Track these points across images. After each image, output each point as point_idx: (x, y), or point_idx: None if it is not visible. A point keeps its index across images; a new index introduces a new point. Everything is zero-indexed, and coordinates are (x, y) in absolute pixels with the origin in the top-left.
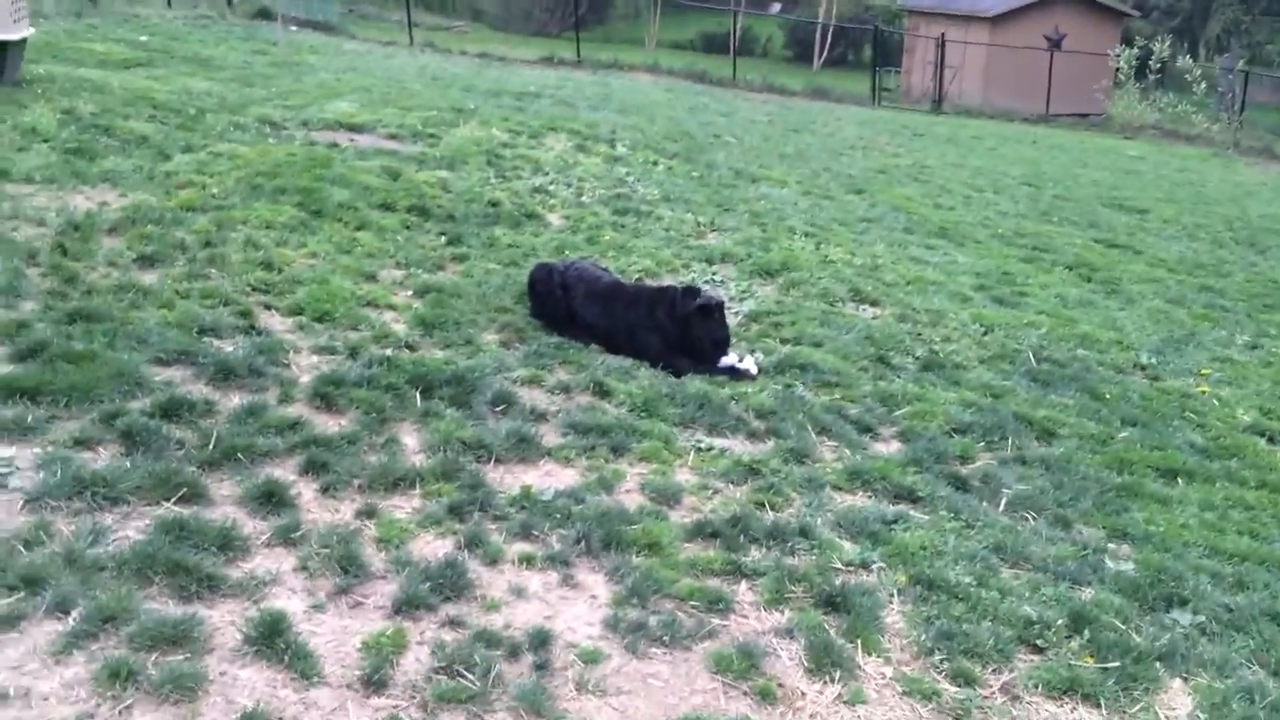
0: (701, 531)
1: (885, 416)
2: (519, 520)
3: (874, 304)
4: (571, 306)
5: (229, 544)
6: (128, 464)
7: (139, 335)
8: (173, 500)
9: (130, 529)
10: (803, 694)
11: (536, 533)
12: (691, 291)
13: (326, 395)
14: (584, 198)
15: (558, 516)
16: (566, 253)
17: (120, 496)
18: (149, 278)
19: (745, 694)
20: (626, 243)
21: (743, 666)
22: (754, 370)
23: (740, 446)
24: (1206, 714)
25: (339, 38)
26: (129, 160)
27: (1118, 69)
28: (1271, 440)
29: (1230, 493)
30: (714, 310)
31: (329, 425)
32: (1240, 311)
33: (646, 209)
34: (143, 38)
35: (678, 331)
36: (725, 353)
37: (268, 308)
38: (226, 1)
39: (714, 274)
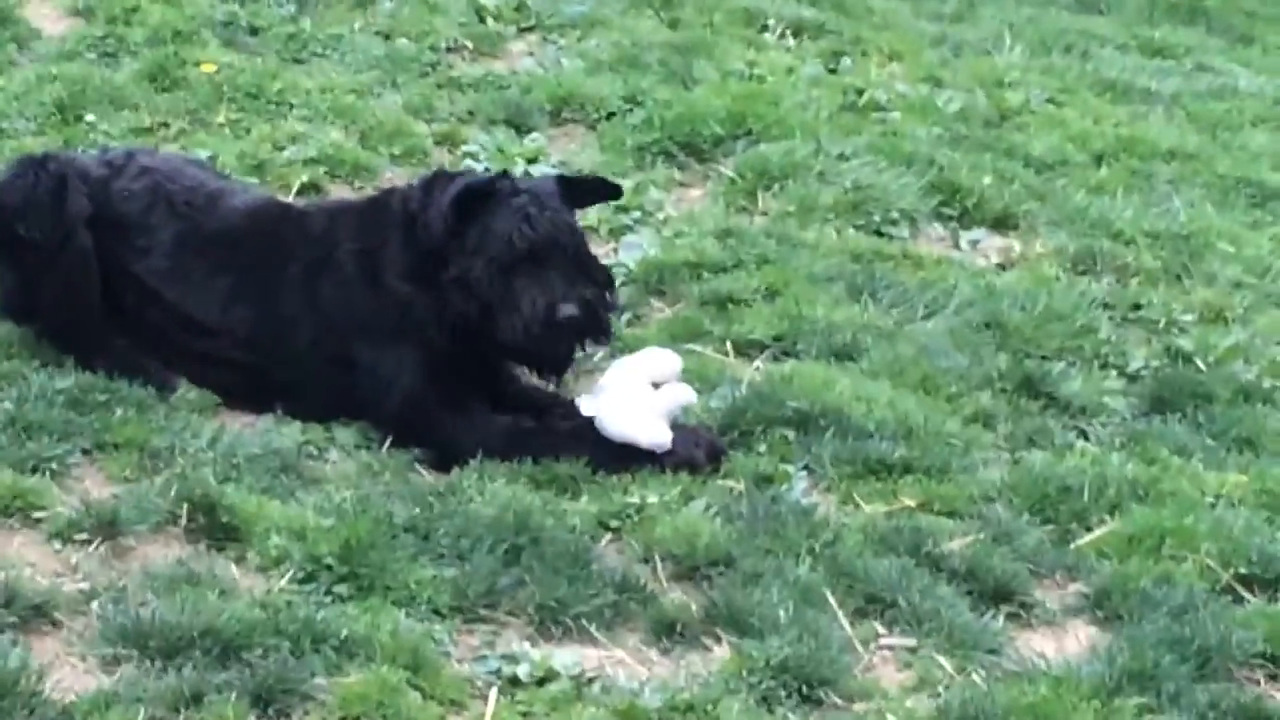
0: None
1: None
2: None
3: (1004, 226)
4: (130, 269)
5: None
6: None
7: None
8: None
9: None
10: None
11: None
12: (439, 177)
13: None
14: None
15: None
16: (92, 144)
17: None
18: None
19: None
20: (265, 89)
21: None
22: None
23: None
24: None
25: None
26: None
27: None
28: None
29: None
30: (513, 192)
31: None
32: None
33: None
34: None
35: (457, 309)
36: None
37: None
38: None
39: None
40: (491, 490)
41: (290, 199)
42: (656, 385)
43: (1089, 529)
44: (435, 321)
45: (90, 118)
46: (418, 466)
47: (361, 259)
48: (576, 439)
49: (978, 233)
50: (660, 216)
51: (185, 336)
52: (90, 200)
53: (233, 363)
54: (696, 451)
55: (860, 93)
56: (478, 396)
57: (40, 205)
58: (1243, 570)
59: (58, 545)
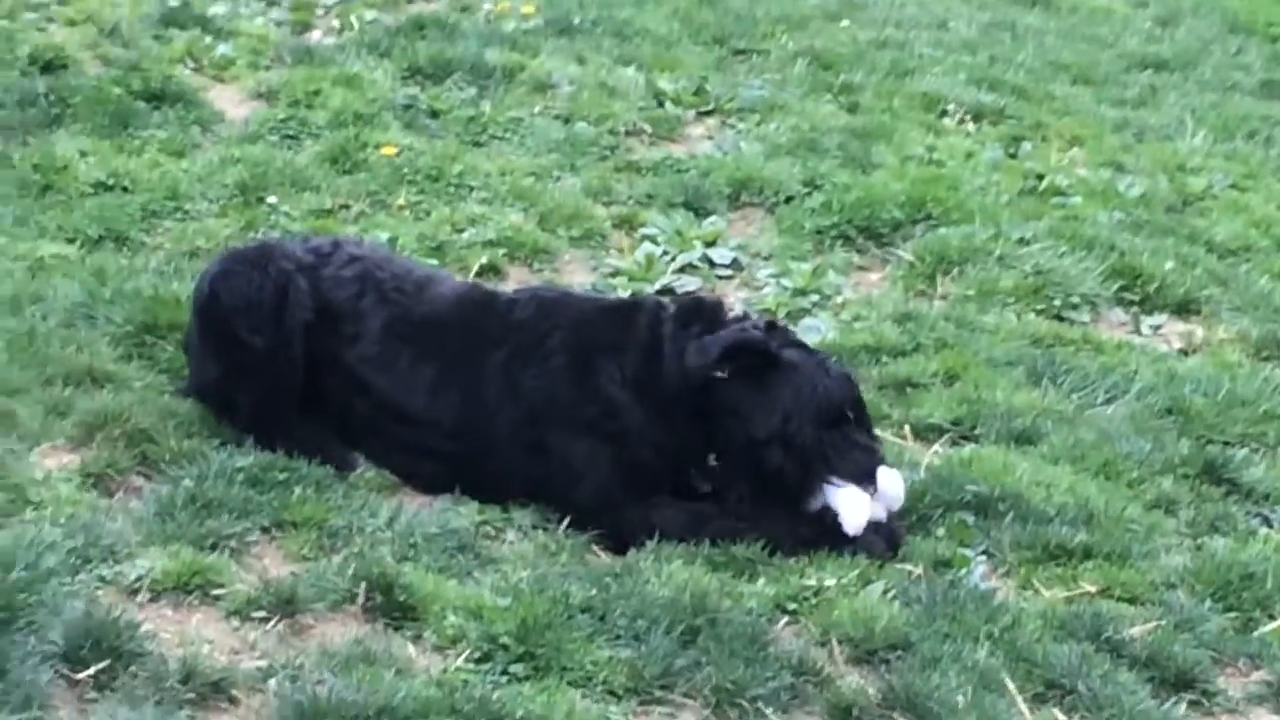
0: None
1: None
2: None
3: (1186, 311)
4: (340, 357)
5: None
6: None
7: None
8: None
9: None
10: None
11: None
12: (699, 309)
13: None
14: (325, 34)
15: None
16: (273, 225)
17: None
18: None
19: None
20: (445, 171)
21: None
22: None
23: None
24: None
25: None
26: None
27: None
28: None
29: None
30: (788, 345)
31: None
32: None
33: (503, 58)
34: None
35: (684, 427)
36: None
37: None
38: None
39: (734, 263)
40: (668, 571)
41: (470, 280)
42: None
43: (1272, 617)
44: (645, 438)
45: (272, 199)
46: (594, 547)
47: (577, 354)
48: (755, 523)
49: (1159, 318)
50: (839, 300)
51: (392, 426)
52: (305, 277)
53: (438, 453)
54: (876, 539)
55: (1040, 177)
56: (664, 489)
57: (261, 310)
58: None
59: (236, 623)
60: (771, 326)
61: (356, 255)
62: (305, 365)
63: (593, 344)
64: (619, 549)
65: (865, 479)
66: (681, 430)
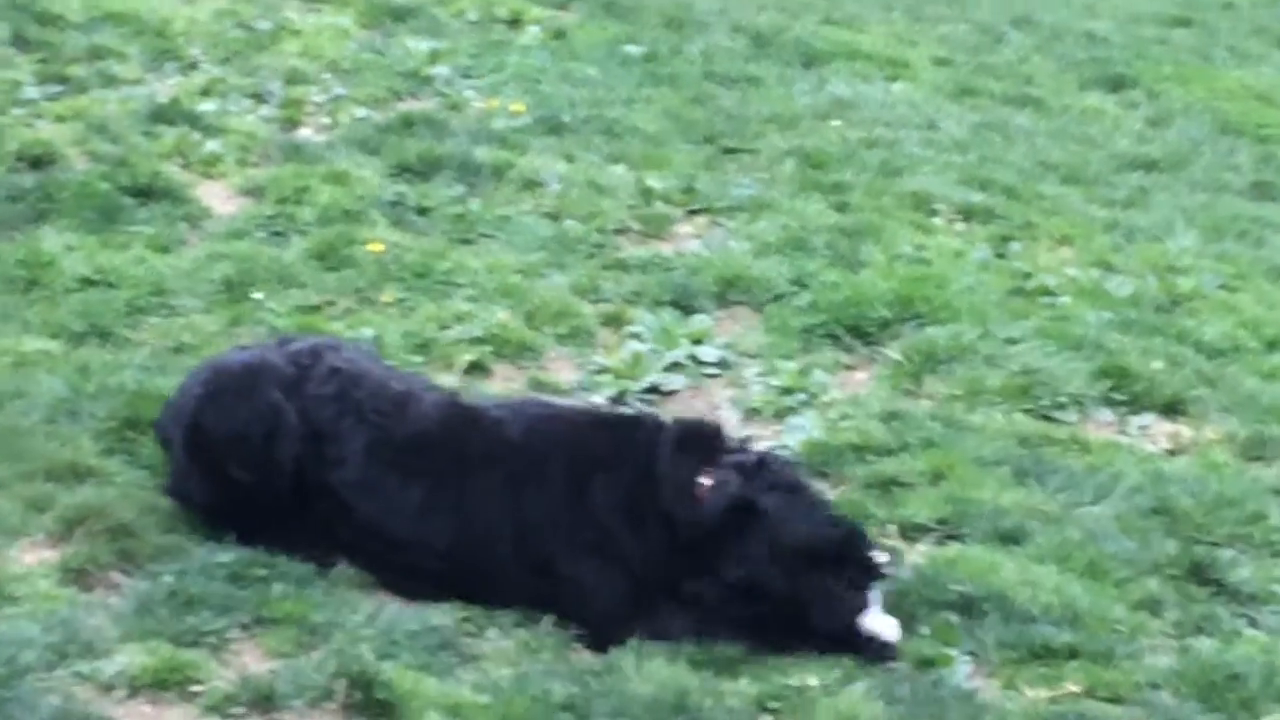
0: None
1: None
2: None
3: (1174, 411)
4: (325, 479)
5: None
6: None
7: None
8: None
9: None
10: None
11: None
12: (699, 435)
13: None
14: (314, 131)
15: None
16: (259, 321)
17: None
18: None
19: None
20: (433, 268)
21: None
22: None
23: None
24: None
25: None
26: None
27: None
28: None
29: None
30: (771, 488)
31: None
32: None
33: (492, 156)
34: None
35: (687, 561)
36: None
37: None
38: None
39: (721, 361)
40: (649, 669)
41: (457, 381)
42: None
43: (1258, 718)
44: (648, 557)
45: (258, 295)
46: (575, 645)
47: (577, 475)
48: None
49: (1147, 418)
50: (825, 399)
51: (380, 549)
52: (293, 392)
53: (430, 574)
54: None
55: (1029, 277)
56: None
57: (250, 444)
58: None
59: (214, 719)
60: (762, 464)
61: (336, 367)
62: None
63: (592, 464)
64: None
65: (842, 631)
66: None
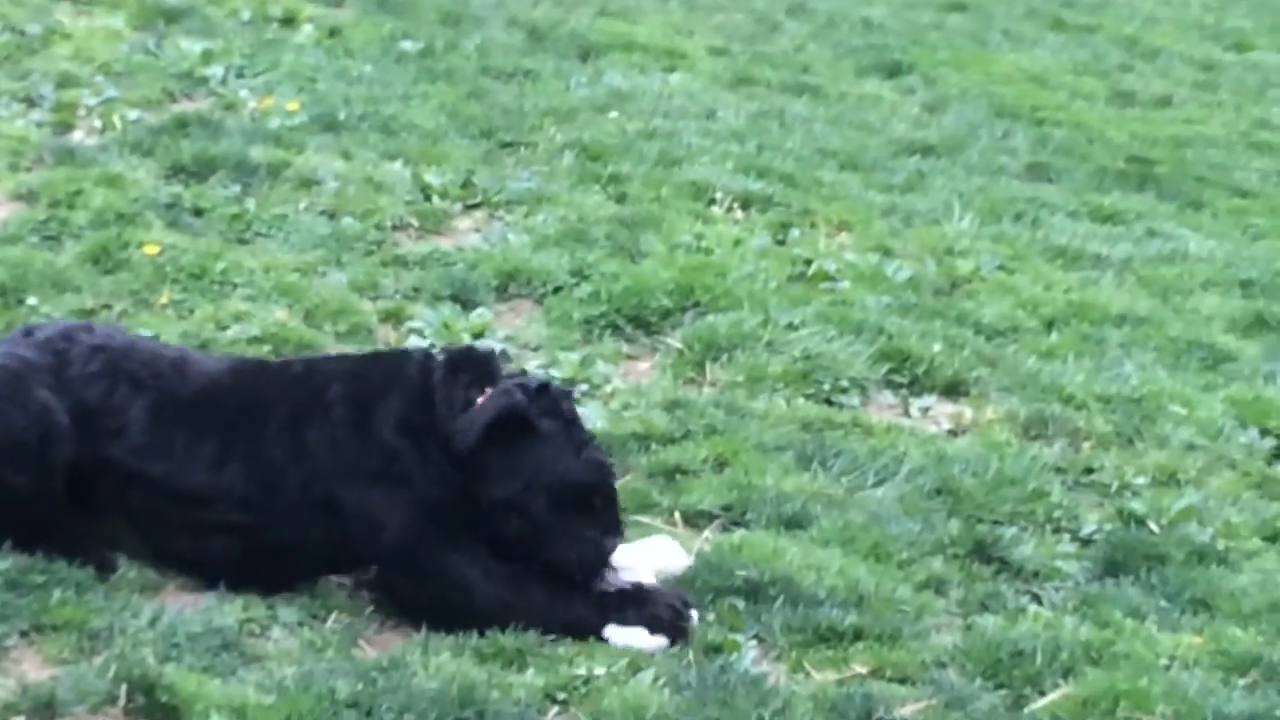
0: None
1: None
2: None
3: (955, 392)
4: (105, 455)
5: None
6: None
7: None
8: None
9: None
10: None
11: None
12: (469, 358)
13: None
14: (86, 134)
15: None
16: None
17: None
18: None
19: None
20: (209, 269)
21: None
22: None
23: None
24: None
25: None
26: None
27: None
28: None
29: None
30: (550, 415)
31: None
32: None
33: (268, 155)
34: None
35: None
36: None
37: None
38: None
39: (502, 354)
40: (436, 664)
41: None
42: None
43: (1043, 693)
44: (424, 476)
45: (32, 301)
46: (361, 642)
47: (351, 406)
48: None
49: (928, 399)
50: (608, 389)
51: (176, 509)
52: (56, 366)
53: (229, 527)
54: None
55: (809, 263)
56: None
57: (26, 451)
58: None
59: None
60: (544, 389)
61: (98, 345)
62: (69, 476)
63: (369, 394)
64: (431, 595)
65: (587, 572)
66: (512, 529)
